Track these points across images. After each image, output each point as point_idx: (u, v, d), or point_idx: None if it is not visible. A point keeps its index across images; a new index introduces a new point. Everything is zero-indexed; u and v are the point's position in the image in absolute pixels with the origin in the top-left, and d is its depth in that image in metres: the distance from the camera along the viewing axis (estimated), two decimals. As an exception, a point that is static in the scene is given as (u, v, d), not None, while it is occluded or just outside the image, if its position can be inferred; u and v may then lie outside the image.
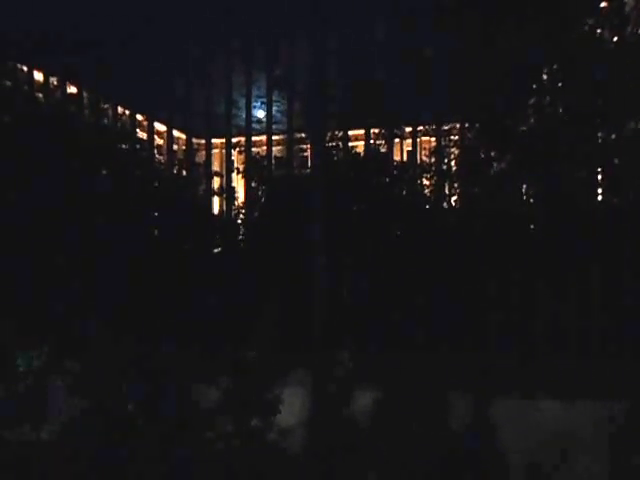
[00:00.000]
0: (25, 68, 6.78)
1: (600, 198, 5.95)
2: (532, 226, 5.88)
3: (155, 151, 6.69)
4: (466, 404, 4.75)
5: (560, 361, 5.05)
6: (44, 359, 5.04)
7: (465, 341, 5.23)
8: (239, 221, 6.31)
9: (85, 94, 6.71)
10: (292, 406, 4.80)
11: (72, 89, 6.76)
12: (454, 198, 6.19)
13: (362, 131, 6.22)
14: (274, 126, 6.21)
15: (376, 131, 6.28)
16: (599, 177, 5.97)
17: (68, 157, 5.93)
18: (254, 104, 6.16)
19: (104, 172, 6.11)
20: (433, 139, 6.22)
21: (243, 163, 6.42)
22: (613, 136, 5.85)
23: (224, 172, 6.38)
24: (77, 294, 5.33)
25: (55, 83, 6.70)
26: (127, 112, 6.57)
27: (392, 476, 4.63)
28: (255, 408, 4.76)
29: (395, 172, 6.09)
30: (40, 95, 6.76)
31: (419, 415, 4.77)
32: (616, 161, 5.87)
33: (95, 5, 6.16)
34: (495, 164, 6.03)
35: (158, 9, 6.03)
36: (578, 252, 5.36)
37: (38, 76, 6.82)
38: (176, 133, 6.61)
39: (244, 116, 6.20)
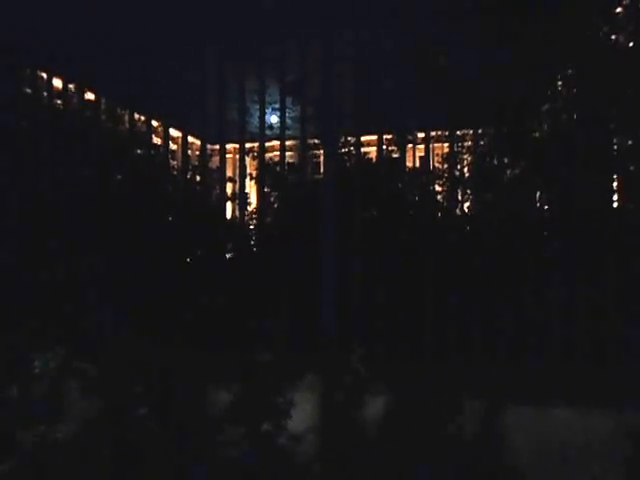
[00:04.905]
0: (44, 75, 6.90)
1: (615, 205, 5.90)
2: (546, 232, 5.84)
3: (170, 156, 6.75)
4: (477, 411, 4.71)
5: (575, 368, 5.00)
6: (60, 360, 5.10)
7: (477, 347, 5.20)
8: (252, 226, 6.37)
9: (103, 100, 6.81)
10: (302, 411, 4.80)
11: (90, 95, 6.86)
12: (467, 204, 6.17)
13: (375, 137, 6.24)
14: (287, 132, 6.25)
15: (389, 137, 6.29)
16: (614, 183, 5.92)
17: (85, 161, 6.03)
18: (267, 110, 6.20)
19: (119, 176, 6.20)
20: (446, 145, 6.22)
21: (256, 169, 6.46)
22: (630, 142, 5.81)
23: (237, 178, 6.42)
24: (92, 295, 5.40)
25: (73, 90, 6.81)
26: (143, 118, 6.65)
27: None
28: (266, 412, 4.77)
29: (407, 178, 6.11)
30: (59, 102, 6.87)
31: (430, 421, 4.75)
32: (632, 167, 5.82)
33: (110, 12, 6.25)
34: (509, 170, 6.02)
35: (172, 15, 6.11)
36: (593, 258, 5.33)
37: (57, 83, 6.93)
38: (191, 139, 6.67)
39: (257, 122, 6.24)
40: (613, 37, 5.85)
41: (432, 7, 5.65)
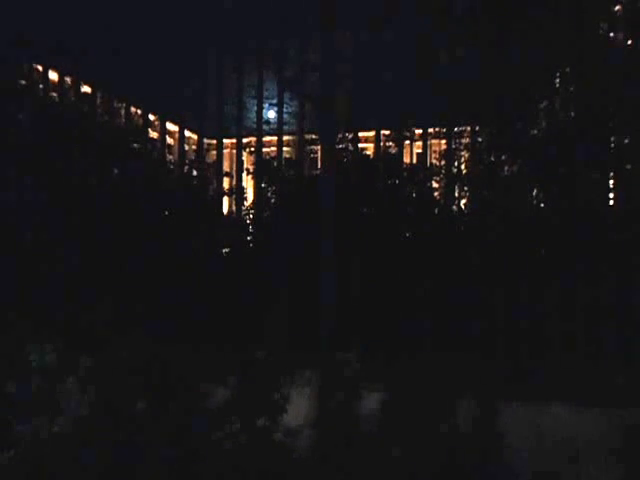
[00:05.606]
0: (40, 68, 6.85)
1: (612, 202, 5.91)
2: (542, 229, 5.84)
3: (166, 150, 6.72)
4: (474, 407, 4.71)
5: (575, 366, 5.00)
6: (57, 355, 5.06)
7: (474, 344, 5.20)
8: (248, 221, 6.34)
9: (99, 94, 6.76)
10: (299, 406, 4.78)
11: (86, 88, 6.82)
12: (464, 201, 6.17)
13: (372, 133, 6.23)
14: (284, 127, 6.23)
15: (386, 133, 6.27)
16: (611, 181, 5.93)
17: (81, 155, 5.99)
18: (265, 105, 6.18)
19: (115, 170, 6.16)
20: (443, 141, 6.21)
21: (253, 164, 6.43)
22: (626, 141, 5.81)
23: (234, 172, 6.40)
24: (90, 291, 5.36)
25: (69, 83, 6.76)
26: (139, 112, 6.62)
27: (398, 477, 4.60)
28: (262, 408, 4.75)
29: (405, 174, 6.09)
30: (54, 94, 6.83)
31: (426, 418, 4.74)
32: (628, 166, 5.83)
33: (111, 8, 6.21)
34: (506, 167, 6.01)
35: (172, 13, 6.08)
36: (589, 256, 5.33)
37: (53, 76, 6.88)
38: (187, 133, 6.64)
39: (255, 117, 6.23)
40: (611, 35, 5.85)
41: (432, 7, 5.63)
